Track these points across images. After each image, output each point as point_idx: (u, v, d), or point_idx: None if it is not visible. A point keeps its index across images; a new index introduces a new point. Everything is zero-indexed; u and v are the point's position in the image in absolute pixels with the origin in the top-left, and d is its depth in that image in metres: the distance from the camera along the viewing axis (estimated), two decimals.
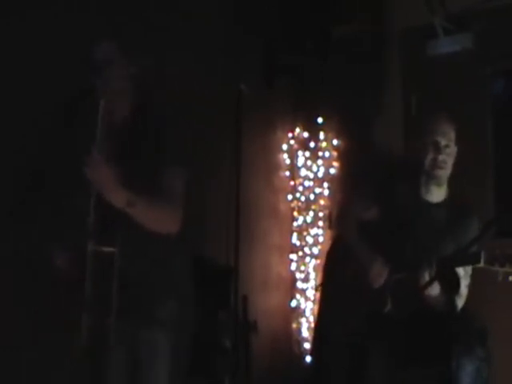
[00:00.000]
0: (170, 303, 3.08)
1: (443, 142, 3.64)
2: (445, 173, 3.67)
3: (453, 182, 3.72)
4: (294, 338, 5.60)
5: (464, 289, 3.53)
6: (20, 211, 3.41)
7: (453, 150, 3.67)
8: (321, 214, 5.60)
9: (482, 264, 3.24)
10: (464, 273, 3.48)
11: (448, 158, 3.65)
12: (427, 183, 3.69)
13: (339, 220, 4.13)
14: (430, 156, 3.63)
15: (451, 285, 3.44)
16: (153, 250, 3.05)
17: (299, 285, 5.65)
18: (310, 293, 5.57)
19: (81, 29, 3.53)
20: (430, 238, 3.59)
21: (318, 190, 5.65)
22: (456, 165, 3.69)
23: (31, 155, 3.52)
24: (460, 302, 3.52)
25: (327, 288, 4.00)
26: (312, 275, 5.58)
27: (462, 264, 3.41)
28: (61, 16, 3.85)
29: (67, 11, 3.87)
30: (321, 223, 5.59)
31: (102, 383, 3.10)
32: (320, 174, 5.65)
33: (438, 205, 3.69)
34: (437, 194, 3.70)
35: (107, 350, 3.00)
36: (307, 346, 5.46)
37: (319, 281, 5.16)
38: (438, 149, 3.62)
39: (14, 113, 3.69)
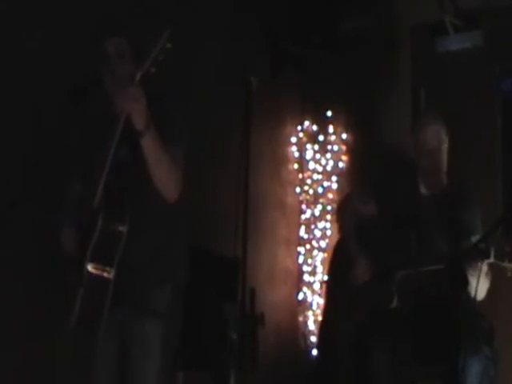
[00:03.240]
0: (165, 292, 3.08)
1: (434, 142, 3.73)
2: (439, 168, 3.74)
3: (455, 175, 3.76)
4: (301, 331, 5.59)
5: (484, 284, 3.46)
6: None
7: (444, 145, 3.77)
8: (329, 208, 5.60)
9: (491, 259, 3.25)
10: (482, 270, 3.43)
11: (441, 155, 3.75)
12: (425, 178, 3.74)
13: (339, 212, 4.19)
14: (423, 155, 3.73)
15: (459, 282, 3.44)
16: (155, 235, 3.06)
17: (306, 278, 5.64)
18: (317, 286, 5.57)
19: (88, 24, 3.52)
20: (432, 231, 3.62)
21: (326, 184, 5.65)
22: (465, 161, 3.71)
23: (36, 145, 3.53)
24: (478, 296, 3.47)
25: (334, 282, 4.01)
26: (319, 268, 5.58)
27: (472, 260, 3.40)
28: (67, 11, 3.85)
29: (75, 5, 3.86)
30: (329, 217, 5.59)
31: (90, 368, 3.10)
32: (328, 168, 5.65)
33: (438, 197, 3.72)
34: (435, 187, 3.74)
35: (98, 334, 2.99)
36: (313, 339, 5.47)
37: (326, 274, 5.18)
38: (428, 149, 3.73)
39: (18, 107, 3.69)
